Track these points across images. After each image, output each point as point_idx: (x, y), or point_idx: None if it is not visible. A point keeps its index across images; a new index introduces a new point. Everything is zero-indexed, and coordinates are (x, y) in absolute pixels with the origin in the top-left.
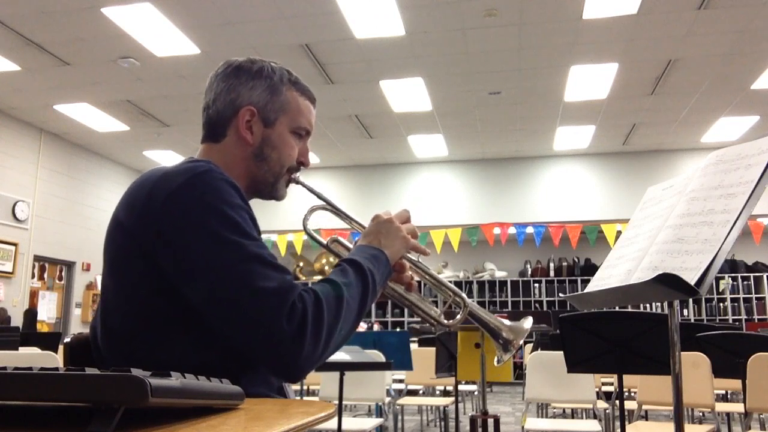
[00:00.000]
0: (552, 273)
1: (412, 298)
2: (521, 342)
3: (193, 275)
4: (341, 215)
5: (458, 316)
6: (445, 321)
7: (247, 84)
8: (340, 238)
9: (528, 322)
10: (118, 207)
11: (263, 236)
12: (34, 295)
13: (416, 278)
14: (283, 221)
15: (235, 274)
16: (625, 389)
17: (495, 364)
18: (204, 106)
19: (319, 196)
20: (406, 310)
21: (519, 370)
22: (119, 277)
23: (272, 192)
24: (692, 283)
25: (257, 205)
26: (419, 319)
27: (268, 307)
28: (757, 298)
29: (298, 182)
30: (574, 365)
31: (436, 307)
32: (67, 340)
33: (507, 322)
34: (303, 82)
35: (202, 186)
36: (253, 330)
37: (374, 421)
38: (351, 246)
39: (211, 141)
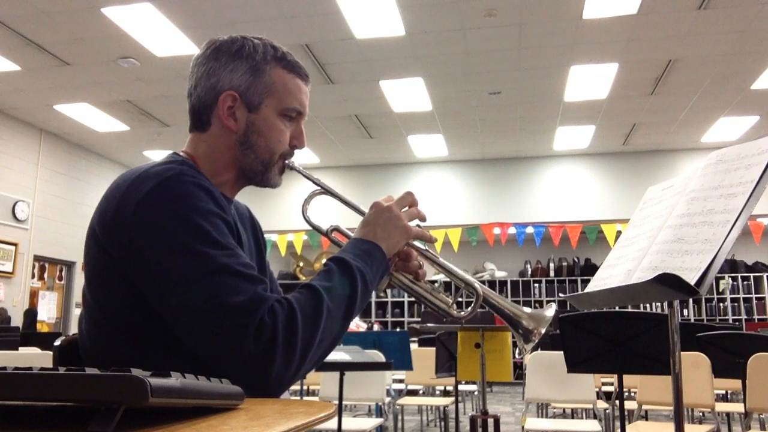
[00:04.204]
0: (552, 273)
1: (420, 288)
2: (543, 331)
3: (159, 288)
4: (340, 200)
5: (471, 306)
6: (456, 312)
7: (227, 66)
8: (341, 227)
9: (551, 310)
10: (94, 213)
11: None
12: (34, 295)
13: (425, 267)
14: (283, 221)
15: (201, 288)
16: (625, 389)
17: (516, 355)
18: (187, 92)
19: (316, 182)
20: (405, 310)
21: (519, 370)
22: (95, 284)
23: (264, 181)
24: (692, 283)
25: (256, 205)
26: (419, 319)
27: (233, 325)
28: (757, 298)
29: (292, 168)
30: (574, 365)
31: (448, 297)
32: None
33: (527, 309)
34: (292, 57)
35: (170, 193)
36: (218, 348)
37: (374, 421)
38: (352, 235)
39: (198, 130)
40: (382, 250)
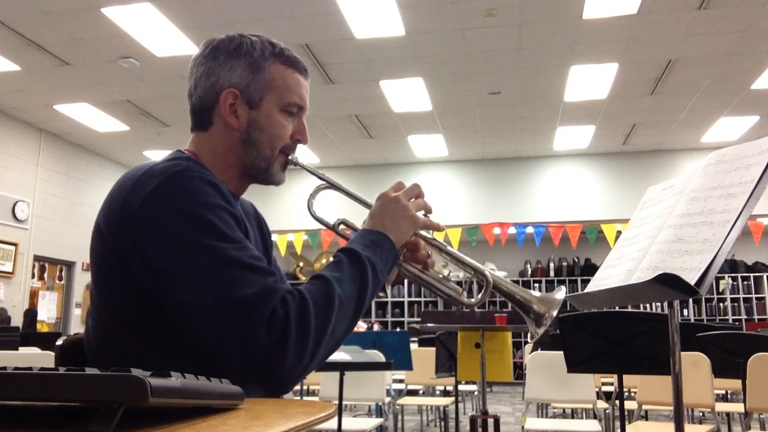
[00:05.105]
0: (552, 273)
1: (430, 277)
2: (555, 314)
3: (168, 283)
4: (345, 193)
5: (481, 293)
6: (466, 299)
7: (226, 64)
8: (348, 220)
9: (561, 293)
10: (100, 211)
11: None
12: (34, 295)
13: (433, 256)
14: (283, 221)
15: (212, 281)
16: (625, 389)
17: (528, 339)
18: (187, 93)
19: (321, 177)
20: (405, 310)
21: (519, 370)
22: (100, 283)
23: (267, 178)
24: (692, 283)
25: (256, 205)
26: (419, 319)
27: (246, 317)
28: (757, 298)
29: (296, 163)
30: (574, 365)
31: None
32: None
33: (537, 293)
34: (290, 52)
35: (176, 188)
36: (230, 341)
37: (374, 421)
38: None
39: (199, 130)
40: (391, 240)
